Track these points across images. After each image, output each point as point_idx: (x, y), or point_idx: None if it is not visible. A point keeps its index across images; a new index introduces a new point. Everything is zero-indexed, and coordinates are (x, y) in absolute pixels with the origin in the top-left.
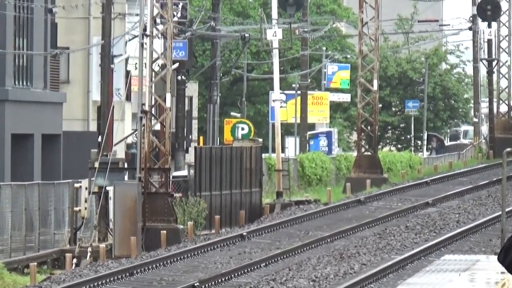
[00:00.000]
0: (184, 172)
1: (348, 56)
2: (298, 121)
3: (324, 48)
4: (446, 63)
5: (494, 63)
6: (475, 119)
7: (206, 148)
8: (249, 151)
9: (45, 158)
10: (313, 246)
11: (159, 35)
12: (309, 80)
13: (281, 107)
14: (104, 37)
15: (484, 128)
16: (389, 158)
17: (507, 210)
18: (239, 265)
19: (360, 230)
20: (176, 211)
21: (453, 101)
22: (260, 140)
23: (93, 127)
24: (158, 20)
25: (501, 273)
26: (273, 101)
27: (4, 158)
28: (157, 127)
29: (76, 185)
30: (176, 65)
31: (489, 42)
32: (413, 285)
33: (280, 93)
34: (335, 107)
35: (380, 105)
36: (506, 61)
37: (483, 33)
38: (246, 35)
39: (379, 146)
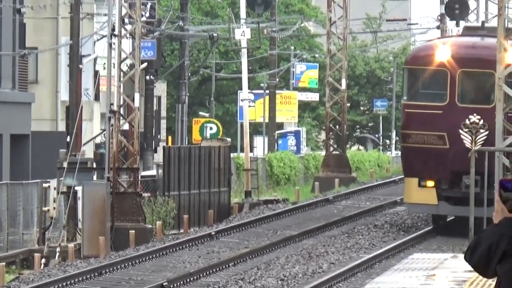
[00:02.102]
0: (152, 172)
1: (317, 55)
2: (267, 120)
3: (293, 48)
4: None
5: None
6: None
7: (174, 147)
8: (217, 151)
9: (14, 158)
10: (281, 245)
11: (128, 35)
12: (277, 79)
13: (249, 106)
14: (73, 37)
15: None
16: (358, 157)
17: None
18: (207, 264)
19: (329, 229)
20: (144, 211)
21: None
22: (229, 139)
23: (61, 127)
24: (126, 20)
25: (469, 272)
26: (242, 100)
27: None
28: (126, 127)
29: (45, 185)
30: (145, 65)
31: None
32: (381, 283)
33: (249, 92)
34: (303, 107)
35: (349, 104)
36: None
37: (451, 32)
38: (215, 34)
39: (347, 145)
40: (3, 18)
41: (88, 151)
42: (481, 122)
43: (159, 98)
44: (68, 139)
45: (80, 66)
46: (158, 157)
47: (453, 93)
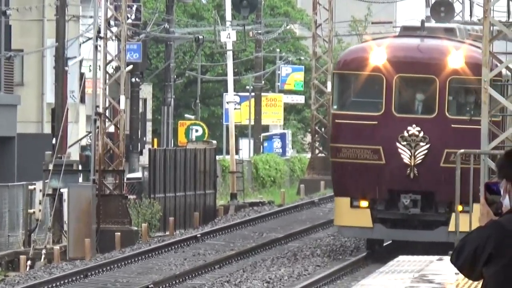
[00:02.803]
0: (138, 174)
1: (302, 58)
2: (252, 123)
3: (278, 50)
4: None
5: None
6: None
7: (160, 150)
8: (203, 153)
9: None
10: (267, 247)
11: (113, 37)
12: (263, 82)
13: (235, 109)
14: (58, 39)
15: None
16: None
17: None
18: (193, 266)
19: (314, 232)
20: (130, 213)
21: None
22: (214, 142)
23: (47, 129)
24: (112, 22)
25: (455, 274)
26: (227, 103)
27: None
28: (111, 129)
29: (31, 187)
30: (130, 67)
31: None
32: (366, 286)
33: (234, 95)
34: (289, 109)
35: None
36: None
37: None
38: (200, 37)
39: None
40: None
41: (73, 154)
42: (421, 134)
43: (145, 100)
44: (53, 141)
45: (66, 68)
46: (144, 159)
47: (389, 101)
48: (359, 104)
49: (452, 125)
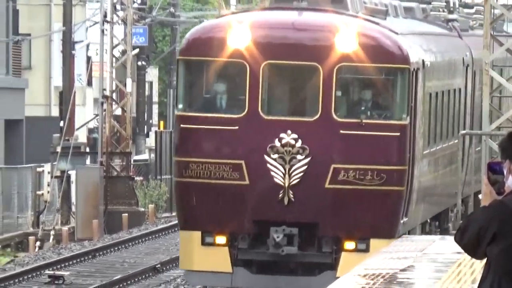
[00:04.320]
0: (145, 156)
1: None
2: None
3: None
4: None
5: None
6: None
7: (166, 132)
8: None
9: (8, 143)
10: None
11: (120, 21)
12: None
13: None
14: (65, 23)
15: None
16: None
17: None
18: None
19: None
20: (137, 194)
21: None
22: None
23: (55, 112)
24: (118, 7)
25: (457, 253)
26: None
27: None
28: (118, 112)
29: (39, 169)
30: (136, 50)
31: None
32: (370, 266)
33: None
34: None
35: None
36: None
37: None
38: (206, 20)
39: None
40: None
41: (81, 136)
42: (299, 143)
43: (151, 83)
44: (61, 124)
45: (73, 52)
46: (150, 141)
47: (254, 98)
48: (213, 103)
49: (341, 131)
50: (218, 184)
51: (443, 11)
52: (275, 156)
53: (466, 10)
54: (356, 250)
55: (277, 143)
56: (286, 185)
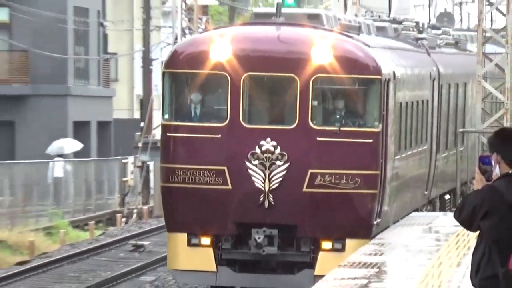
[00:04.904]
0: None
1: None
2: None
3: None
4: None
5: None
6: None
7: None
8: None
9: (100, 140)
10: None
11: None
12: None
13: None
14: (145, 44)
15: None
16: None
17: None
18: None
19: None
20: None
21: None
22: None
23: (136, 115)
24: (186, 31)
25: (455, 226)
26: None
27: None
28: None
29: (124, 160)
30: None
31: None
32: (384, 238)
33: None
34: None
35: None
36: None
37: None
38: None
39: None
40: (90, 30)
41: (157, 134)
42: (278, 150)
43: None
44: (141, 125)
45: (151, 67)
46: None
47: (236, 108)
48: (197, 113)
49: (318, 138)
50: (202, 189)
51: (413, 31)
52: (256, 162)
53: (433, 31)
54: (333, 249)
55: (257, 150)
56: (266, 189)
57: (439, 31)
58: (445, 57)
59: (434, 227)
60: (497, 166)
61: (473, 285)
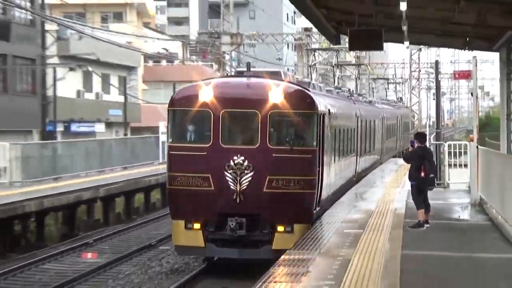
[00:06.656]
0: None
1: None
2: None
3: None
4: None
5: None
6: None
7: None
8: None
9: None
10: None
11: None
12: None
13: None
14: None
15: None
16: None
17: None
18: None
19: None
20: None
21: None
22: None
23: None
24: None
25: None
26: None
27: None
28: None
29: None
30: None
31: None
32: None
33: None
34: None
35: None
36: None
37: None
38: None
39: None
40: None
41: None
42: (246, 163)
43: None
44: None
45: None
46: None
47: (216, 134)
48: (191, 137)
49: (274, 154)
50: (194, 190)
51: (347, 93)
52: (230, 171)
53: (358, 95)
54: (285, 231)
55: (231, 163)
56: (238, 190)
57: (361, 97)
58: (363, 106)
59: (363, 195)
60: (415, 144)
61: (413, 180)
